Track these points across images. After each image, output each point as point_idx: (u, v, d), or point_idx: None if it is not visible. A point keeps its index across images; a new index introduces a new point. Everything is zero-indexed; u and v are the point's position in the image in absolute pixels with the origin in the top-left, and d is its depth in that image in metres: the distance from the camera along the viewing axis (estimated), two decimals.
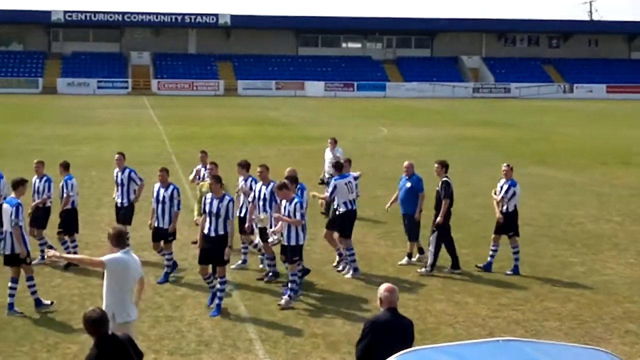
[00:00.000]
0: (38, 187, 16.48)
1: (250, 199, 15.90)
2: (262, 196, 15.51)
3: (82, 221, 20.32)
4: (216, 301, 13.74)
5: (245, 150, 35.89)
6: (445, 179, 16.41)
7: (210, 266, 14.03)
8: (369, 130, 47.92)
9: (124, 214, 17.08)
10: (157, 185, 15.84)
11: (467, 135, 45.59)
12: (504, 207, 16.57)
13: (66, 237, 16.76)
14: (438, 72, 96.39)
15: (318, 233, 18.00)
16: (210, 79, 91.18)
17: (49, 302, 13.85)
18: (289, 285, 14.28)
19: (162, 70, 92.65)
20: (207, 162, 18.27)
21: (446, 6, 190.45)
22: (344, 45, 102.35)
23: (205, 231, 13.86)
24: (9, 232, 13.49)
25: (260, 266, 16.41)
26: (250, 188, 16.12)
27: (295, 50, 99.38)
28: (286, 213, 14.29)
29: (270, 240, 14.83)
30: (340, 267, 16.51)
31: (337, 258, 16.81)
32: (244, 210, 16.28)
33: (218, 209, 13.65)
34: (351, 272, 16.13)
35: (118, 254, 9.98)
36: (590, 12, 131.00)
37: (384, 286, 8.76)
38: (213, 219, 13.72)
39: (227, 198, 13.79)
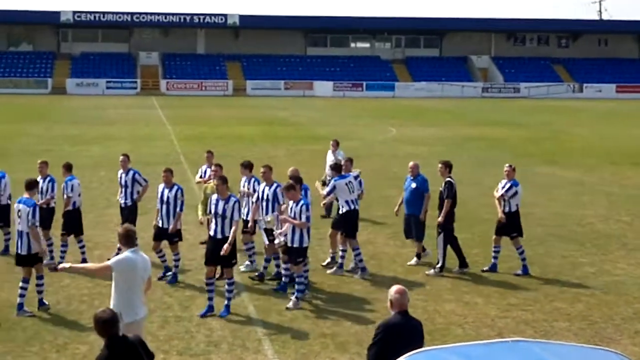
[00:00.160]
0: (42, 188, 16.45)
1: (254, 199, 15.88)
2: (265, 197, 15.50)
3: (92, 221, 20.43)
4: (225, 301, 13.72)
5: (254, 150, 35.92)
6: (448, 179, 16.37)
7: (217, 267, 14.01)
8: (378, 130, 47.89)
9: (127, 214, 17.07)
10: (161, 186, 15.84)
11: (476, 135, 45.52)
12: (506, 207, 16.52)
13: (68, 238, 16.74)
14: (447, 72, 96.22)
15: (327, 233, 17.97)
16: (219, 79, 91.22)
17: (47, 303, 13.88)
18: (296, 287, 14.26)
19: (171, 71, 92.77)
20: (212, 162, 18.25)
21: (455, 6, 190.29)
22: (352, 45, 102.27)
23: (211, 233, 13.83)
24: (24, 232, 13.55)
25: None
26: (254, 189, 16.11)
27: (304, 50, 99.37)
28: (292, 214, 14.27)
29: (277, 241, 14.81)
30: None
31: (328, 259, 16.84)
32: (245, 211, 16.19)
33: (224, 210, 13.62)
34: (359, 272, 16.12)
35: (125, 254, 10.09)
36: (600, 11, 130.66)
37: (394, 288, 8.70)
38: (219, 220, 13.68)
39: (232, 199, 13.76)
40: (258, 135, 44.25)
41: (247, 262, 16.52)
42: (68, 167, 17.02)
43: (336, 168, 17.32)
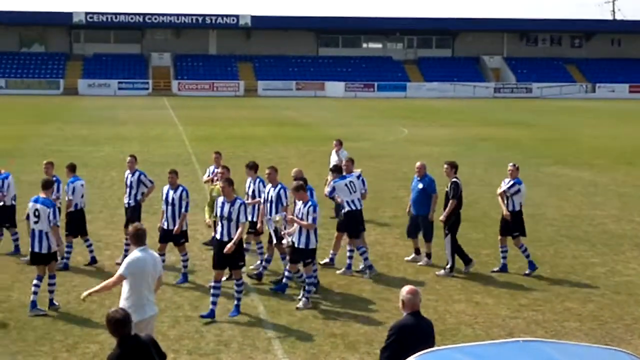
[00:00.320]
0: None
1: (261, 200, 15.85)
2: (269, 198, 15.48)
3: (103, 221, 20.50)
4: (235, 301, 13.70)
5: (265, 150, 35.94)
6: (454, 179, 16.32)
7: (225, 271, 13.97)
8: (390, 131, 47.85)
9: (131, 213, 17.05)
10: (166, 188, 15.80)
11: (488, 135, 45.41)
12: (509, 206, 16.47)
13: (74, 240, 16.76)
14: (459, 72, 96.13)
15: (335, 234, 17.93)
16: (231, 79, 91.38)
17: (57, 304, 13.91)
18: (305, 287, 14.24)
19: (183, 71, 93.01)
20: (220, 163, 18.22)
21: (467, 6, 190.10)
22: (364, 45, 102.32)
23: (218, 236, 13.75)
24: (44, 231, 13.63)
25: (251, 267, 16.23)
26: (258, 189, 16.09)
27: (316, 51, 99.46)
28: (300, 215, 14.25)
29: (284, 242, 14.77)
30: (339, 272, 16.33)
31: (327, 259, 16.78)
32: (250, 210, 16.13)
33: (230, 212, 13.54)
34: (367, 271, 16.09)
35: (134, 253, 10.18)
36: (613, 11, 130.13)
37: (406, 288, 8.62)
38: (225, 222, 13.59)
39: (238, 201, 13.67)
40: (269, 135, 44.27)
41: (258, 263, 16.49)
42: (72, 168, 17.03)
43: (336, 170, 17.31)
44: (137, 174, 17.23)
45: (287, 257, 15.03)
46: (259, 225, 15.94)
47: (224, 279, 14.18)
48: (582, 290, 15.28)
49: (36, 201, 13.87)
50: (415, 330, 8.38)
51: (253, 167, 16.60)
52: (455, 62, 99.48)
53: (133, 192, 17.16)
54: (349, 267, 16.35)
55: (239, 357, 11.82)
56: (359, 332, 12.84)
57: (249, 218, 15.29)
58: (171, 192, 15.61)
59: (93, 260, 16.74)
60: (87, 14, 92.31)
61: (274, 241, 15.41)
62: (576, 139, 44.73)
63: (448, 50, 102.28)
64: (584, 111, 68.59)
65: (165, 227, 15.62)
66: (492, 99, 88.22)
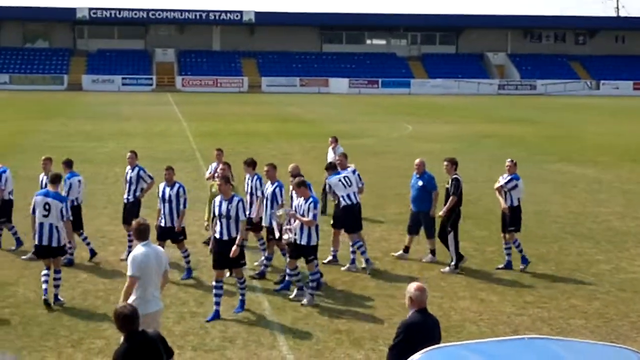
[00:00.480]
0: (46, 184, 16.43)
1: (262, 196, 15.82)
2: (267, 195, 15.47)
3: (107, 217, 20.50)
4: (239, 297, 13.68)
5: (268, 147, 35.93)
6: (455, 176, 16.29)
7: (226, 270, 13.95)
8: (394, 127, 47.82)
9: (130, 209, 16.99)
10: (162, 185, 15.65)
11: (492, 132, 45.37)
12: (507, 201, 16.46)
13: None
14: (463, 68, 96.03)
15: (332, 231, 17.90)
16: (234, 75, 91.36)
17: (62, 299, 13.93)
18: (310, 284, 14.23)
19: (187, 67, 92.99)
20: (222, 160, 18.17)
21: (471, 2, 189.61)
22: (368, 42, 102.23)
23: (217, 235, 13.57)
24: (54, 225, 13.68)
25: (255, 263, 16.24)
26: (256, 187, 16.04)
27: (320, 47, 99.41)
28: (300, 211, 14.20)
29: (285, 237, 14.69)
30: (343, 268, 16.30)
31: (329, 257, 16.75)
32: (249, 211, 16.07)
33: (228, 210, 13.37)
34: (367, 265, 16.05)
35: (137, 248, 10.23)
36: (617, 8, 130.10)
37: (414, 285, 8.56)
38: (224, 221, 13.42)
39: (236, 199, 13.49)
40: (273, 132, 44.25)
41: (262, 259, 16.47)
42: (68, 164, 16.94)
43: (330, 167, 17.33)
44: (136, 169, 17.16)
45: (287, 254, 15.03)
46: (255, 219, 15.82)
47: (226, 275, 14.15)
48: (587, 288, 15.27)
49: (46, 195, 13.88)
50: (423, 328, 8.37)
51: (251, 164, 16.47)
52: (459, 59, 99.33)
53: (132, 187, 17.10)
54: (352, 261, 16.34)
55: (244, 353, 11.82)
56: (364, 329, 12.84)
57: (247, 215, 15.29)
58: (167, 189, 15.46)
59: (92, 253, 16.69)
60: (90, 9, 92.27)
61: (277, 235, 15.37)
62: (580, 136, 44.67)
63: (452, 47, 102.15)
64: (588, 108, 68.49)
65: (162, 224, 15.47)
66: (496, 95, 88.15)
